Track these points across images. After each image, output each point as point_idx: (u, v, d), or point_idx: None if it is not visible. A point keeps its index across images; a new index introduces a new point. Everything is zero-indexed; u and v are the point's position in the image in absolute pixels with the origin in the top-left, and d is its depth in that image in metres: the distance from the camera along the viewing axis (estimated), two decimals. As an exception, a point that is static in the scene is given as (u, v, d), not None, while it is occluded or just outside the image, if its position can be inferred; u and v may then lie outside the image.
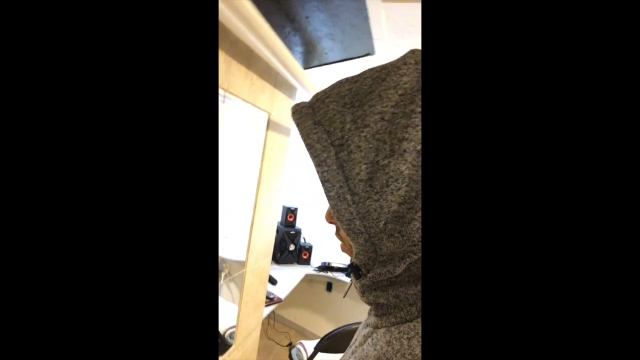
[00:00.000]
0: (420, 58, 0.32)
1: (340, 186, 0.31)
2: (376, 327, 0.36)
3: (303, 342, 1.52)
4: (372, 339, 0.34)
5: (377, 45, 1.17)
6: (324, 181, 0.32)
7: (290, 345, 2.42)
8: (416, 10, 0.91)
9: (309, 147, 0.33)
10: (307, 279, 2.48)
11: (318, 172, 0.32)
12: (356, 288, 0.37)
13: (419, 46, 0.34)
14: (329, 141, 0.32)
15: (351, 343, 0.42)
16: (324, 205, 0.39)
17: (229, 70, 0.93)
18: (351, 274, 0.37)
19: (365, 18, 0.99)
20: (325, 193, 0.32)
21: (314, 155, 0.32)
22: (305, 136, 0.33)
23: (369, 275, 0.34)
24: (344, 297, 0.49)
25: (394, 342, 0.31)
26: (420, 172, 0.28)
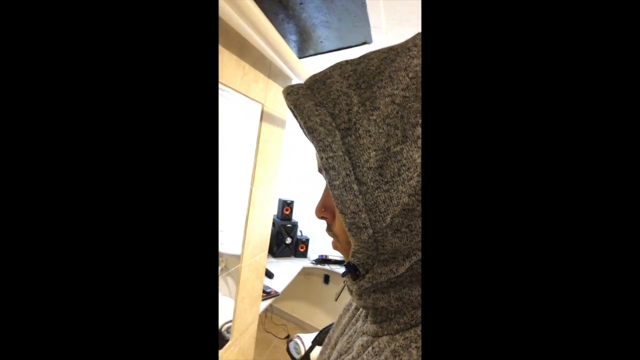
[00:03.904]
0: None
1: (347, 174, 0.28)
2: (376, 335, 0.32)
3: (300, 335, 1.51)
4: (374, 349, 0.31)
5: (375, 33, 1.13)
6: (328, 168, 0.28)
7: (288, 338, 2.42)
8: (416, -4, 0.88)
9: (311, 130, 0.29)
10: (304, 272, 2.47)
11: (322, 159, 0.28)
12: (351, 291, 0.34)
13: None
14: (334, 124, 0.28)
15: (339, 349, 0.38)
16: (320, 197, 0.36)
17: (220, 60, 0.90)
18: (347, 275, 0.33)
19: (363, 5, 0.95)
20: (329, 182, 0.28)
21: (317, 140, 0.28)
22: (305, 118, 0.29)
23: (367, 275, 0.31)
24: (335, 300, 0.45)
25: (401, 351, 0.28)
26: None
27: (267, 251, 1.54)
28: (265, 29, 0.86)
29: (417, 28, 1.09)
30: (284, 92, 0.33)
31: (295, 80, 1.41)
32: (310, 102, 0.30)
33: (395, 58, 0.28)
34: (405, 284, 0.30)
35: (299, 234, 2.41)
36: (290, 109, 0.32)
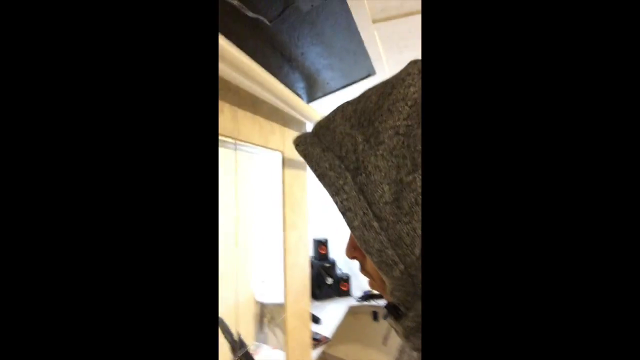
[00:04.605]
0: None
1: (364, 213, 0.27)
2: None
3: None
4: None
5: (376, 65, 1.17)
6: (344, 211, 0.28)
7: (347, 386, 2.28)
8: (407, 24, 0.92)
9: (321, 176, 0.29)
10: (351, 311, 2.37)
11: (337, 202, 0.29)
12: (397, 332, 0.32)
13: (417, 58, 0.32)
14: (343, 166, 0.29)
15: None
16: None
17: (236, 119, 0.95)
18: (389, 316, 0.31)
19: (360, 42, 1.00)
20: (348, 224, 0.28)
21: (329, 185, 0.29)
22: (315, 166, 0.30)
23: (410, 314, 0.29)
24: (384, 344, 0.42)
25: None
26: None
27: (309, 296, 1.51)
28: (272, 86, 0.92)
29: (415, 53, 1.12)
30: (294, 142, 0.34)
31: (309, 124, 1.46)
32: (317, 148, 0.31)
33: (391, 91, 0.29)
34: None
35: (338, 272, 2.36)
36: (303, 158, 0.33)
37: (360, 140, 0.29)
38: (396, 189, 0.27)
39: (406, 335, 0.30)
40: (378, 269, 0.28)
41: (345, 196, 0.28)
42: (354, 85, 1.31)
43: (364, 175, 0.28)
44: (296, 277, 1.35)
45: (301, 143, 0.32)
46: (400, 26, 0.93)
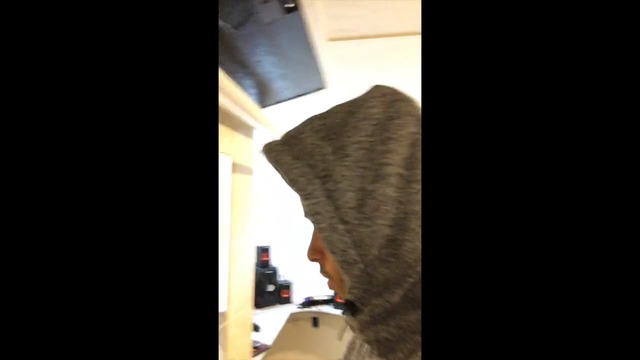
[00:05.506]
0: (384, 92, 0.34)
1: (331, 217, 0.31)
2: None
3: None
4: None
5: (328, 79, 1.22)
6: (313, 214, 0.31)
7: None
8: (361, 46, 0.98)
9: (293, 182, 0.32)
10: (292, 318, 2.37)
11: (307, 206, 0.32)
12: (352, 327, 0.35)
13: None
14: (313, 174, 0.32)
15: None
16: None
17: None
18: (346, 312, 0.35)
19: (314, 56, 1.04)
20: (316, 226, 0.32)
21: (300, 190, 0.32)
22: (286, 172, 0.33)
23: (365, 309, 0.32)
24: (340, 339, 0.45)
25: None
26: (404, 194, 0.30)
27: (252, 303, 1.49)
28: (224, 85, 0.91)
29: (364, 71, 1.19)
30: (263, 149, 0.36)
31: (258, 129, 1.46)
32: (288, 156, 0.34)
33: (357, 110, 0.34)
34: (401, 311, 0.32)
35: (280, 279, 2.35)
36: (272, 164, 0.35)
37: (329, 151, 0.32)
38: (360, 196, 0.30)
39: (361, 329, 0.34)
40: (340, 268, 0.31)
41: (314, 200, 0.31)
42: (305, 97, 1.35)
43: (332, 182, 0.31)
44: (239, 284, 1.33)
45: (271, 150, 0.35)
46: (355, 47, 0.99)
